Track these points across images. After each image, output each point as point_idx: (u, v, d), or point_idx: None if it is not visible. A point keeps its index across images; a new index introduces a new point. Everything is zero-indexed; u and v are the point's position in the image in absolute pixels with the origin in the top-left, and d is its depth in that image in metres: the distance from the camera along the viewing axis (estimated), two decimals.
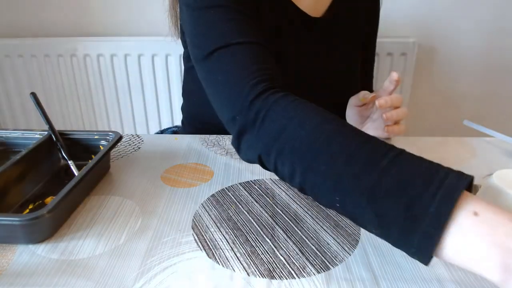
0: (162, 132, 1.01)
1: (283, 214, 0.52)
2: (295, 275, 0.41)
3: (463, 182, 0.33)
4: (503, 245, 0.31)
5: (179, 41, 0.82)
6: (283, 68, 0.57)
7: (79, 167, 0.59)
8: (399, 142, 0.70)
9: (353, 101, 0.77)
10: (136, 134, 0.76)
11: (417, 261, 0.43)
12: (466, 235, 0.32)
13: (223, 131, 0.76)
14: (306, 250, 0.45)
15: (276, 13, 0.69)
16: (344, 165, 0.38)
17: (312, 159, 0.39)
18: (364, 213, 0.36)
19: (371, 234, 0.47)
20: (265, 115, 0.44)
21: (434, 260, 0.43)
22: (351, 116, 0.78)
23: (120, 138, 0.61)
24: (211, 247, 0.45)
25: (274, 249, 0.45)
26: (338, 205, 0.38)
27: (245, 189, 0.57)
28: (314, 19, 0.73)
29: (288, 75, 0.63)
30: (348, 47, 0.80)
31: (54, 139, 0.62)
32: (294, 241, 0.46)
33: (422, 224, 0.33)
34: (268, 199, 0.55)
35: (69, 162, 0.60)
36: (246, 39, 0.52)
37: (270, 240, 0.47)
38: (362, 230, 0.48)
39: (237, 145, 0.48)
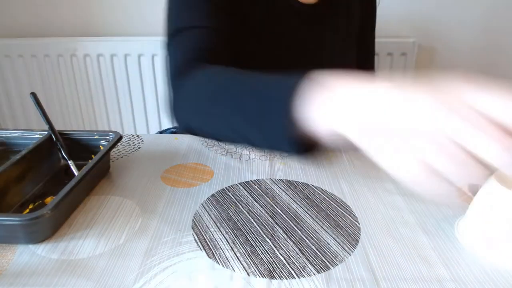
0: (161, 133, 1.01)
1: (283, 214, 0.52)
2: (295, 275, 0.41)
3: (308, 73, 0.36)
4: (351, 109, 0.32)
5: None
6: (274, 57, 0.58)
7: (79, 167, 0.59)
8: None
9: None
10: (136, 134, 0.76)
11: (417, 261, 0.43)
12: (318, 103, 0.34)
13: None
14: (306, 250, 0.45)
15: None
16: (231, 100, 0.43)
17: (215, 106, 0.45)
18: (248, 133, 0.41)
19: (371, 234, 0.48)
20: (186, 87, 0.50)
21: (434, 260, 0.43)
22: None
23: (120, 138, 0.61)
24: (211, 247, 0.46)
25: (274, 249, 0.45)
26: (233, 135, 0.44)
27: (245, 189, 0.57)
28: (305, 6, 0.73)
29: (278, 63, 0.64)
30: (341, 35, 0.79)
31: (54, 139, 0.62)
32: (294, 241, 0.46)
33: (273, 111, 0.36)
34: (268, 199, 0.55)
35: (69, 162, 0.60)
36: (199, 23, 0.58)
37: (270, 240, 0.47)
38: (362, 230, 0.48)
39: (174, 121, 0.54)
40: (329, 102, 0.34)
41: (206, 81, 0.48)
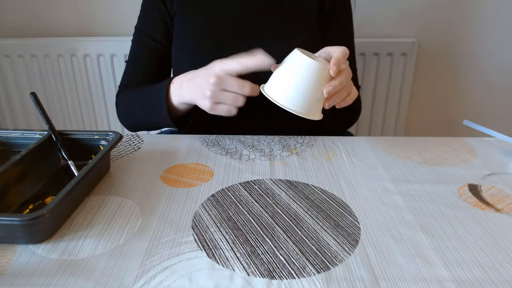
0: (161, 133, 1.01)
1: (283, 214, 0.52)
2: (295, 275, 0.41)
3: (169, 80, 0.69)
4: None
5: None
6: (219, 37, 0.77)
7: (79, 167, 0.59)
8: (400, 143, 0.70)
9: None
10: (136, 134, 0.76)
11: (417, 261, 0.43)
12: (177, 94, 0.67)
13: (211, 122, 0.81)
14: (306, 250, 0.45)
15: None
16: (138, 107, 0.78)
17: (131, 110, 0.80)
18: (144, 118, 0.77)
19: (371, 234, 0.48)
20: (120, 98, 0.84)
21: (434, 260, 0.43)
22: None
23: (120, 138, 0.61)
24: (211, 247, 0.46)
25: (274, 249, 0.45)
26: (148, 122, 0.77)
27: (245, 189, 0.57)
28: None
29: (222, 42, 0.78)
30: (291, 27, 0.77)
31: (54, 139, 0.62)
32: (294, 241, 0.47)
33: (155, 102, 0.70)
34: (268, 199, 0.55)
35: (69, 162, 0.60)
36: (130, 59, 0.84)
37: (270, 240, 0.47)
38: (362, 230, 0.48)
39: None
40: (172, 88, 0.67)
41: (126, 97, 0.82)
